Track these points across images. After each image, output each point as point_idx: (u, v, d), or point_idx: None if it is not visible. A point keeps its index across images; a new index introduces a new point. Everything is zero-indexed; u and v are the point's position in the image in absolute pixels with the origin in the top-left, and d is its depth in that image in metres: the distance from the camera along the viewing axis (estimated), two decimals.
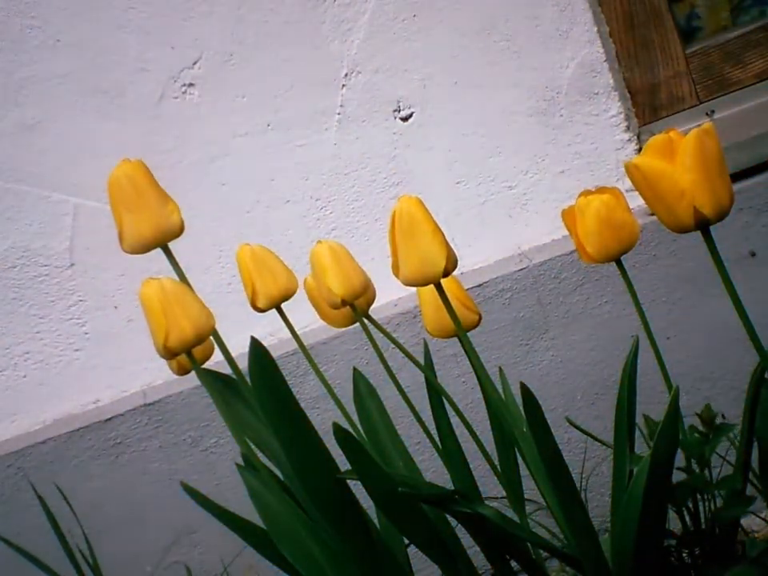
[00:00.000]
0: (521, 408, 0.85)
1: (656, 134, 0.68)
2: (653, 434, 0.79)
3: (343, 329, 0.90)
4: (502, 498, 0.89)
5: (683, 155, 0.66)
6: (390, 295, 1.22)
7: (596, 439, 0.98)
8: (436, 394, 0.86)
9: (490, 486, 0.94)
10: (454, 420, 0.86)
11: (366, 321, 0.83)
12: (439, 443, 0.87)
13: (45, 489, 1.22)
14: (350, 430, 0.75)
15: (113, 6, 1.25)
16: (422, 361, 0.87)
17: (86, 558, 1.06)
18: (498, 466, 0.85)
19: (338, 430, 0.72)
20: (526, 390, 0.71)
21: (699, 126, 0.67)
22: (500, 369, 0.91)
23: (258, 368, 0.76)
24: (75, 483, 1.25)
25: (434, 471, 0.96)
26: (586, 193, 0.82)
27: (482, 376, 0.77)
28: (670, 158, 0.67)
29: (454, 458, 0.85)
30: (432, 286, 0.73)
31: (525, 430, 0.81)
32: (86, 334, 1.32)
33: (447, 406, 0.86)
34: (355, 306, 0.80)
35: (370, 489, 0.75)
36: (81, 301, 1.33)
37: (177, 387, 1.26)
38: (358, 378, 0.88)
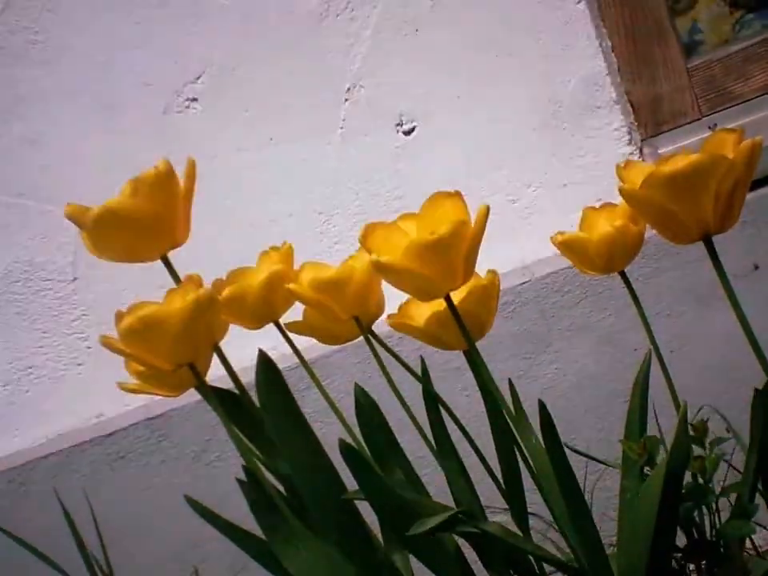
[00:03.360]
0: (528, 421, 0.85)
1: (660, 153, 0.67)
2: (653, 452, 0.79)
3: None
4: (505, 509, 0.88)
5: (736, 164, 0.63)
6: (395, 307, 1.22)
7: (598, 461, 0.98)
8: (434, 407, 0.85)
9: (492, 496, 0.94)
10: (458, 434, 0.86)
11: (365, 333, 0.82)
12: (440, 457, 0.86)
13: (48, 503, 1.21)
14: (353, 444, 0.75)
15: (116, 21, 1.26)
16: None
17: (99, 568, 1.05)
18: (502, 480, 0.84)
19: (344, 447, 0.71)
20: (543, 408, 0.71)
21: (754, 138, 0.64)
22: (510, 381, 0.90)
23: (265, 382, 0.76)
24: (78, 497, 1.25)
25: (437, 485, 0.95)
26: (590, 210, 0.82)
27: (489, 386, 0.77)
28: (669, 189, 0.65)
29: (455, 472, 0.85)
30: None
31: (534, 442, 0.81)
32: (89, 348, 1.32)
33: (448, 419, 0.86)
34: (361, 321, 0.79)
35: (376, 506, 0.74)
36: (84, 315, 1.33)
37: (179, 401, 1.26)
38: (359, 392, 0.87)
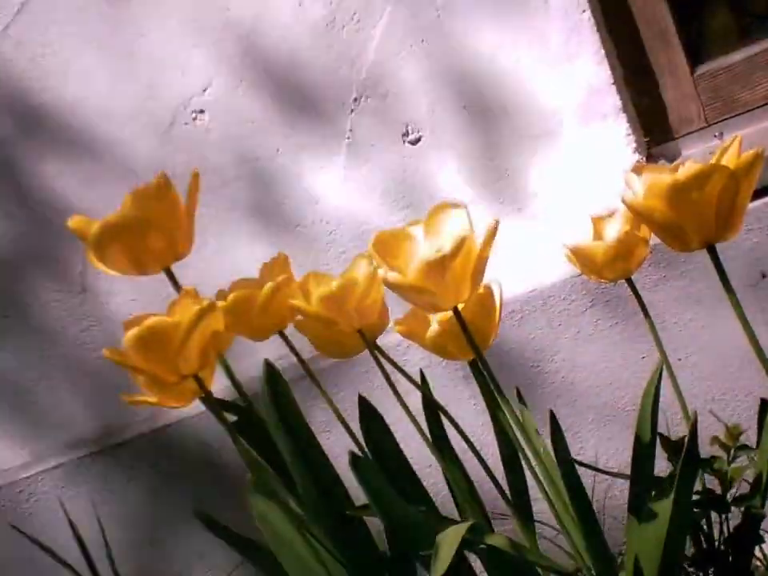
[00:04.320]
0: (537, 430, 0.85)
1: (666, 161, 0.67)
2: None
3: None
4: (509, 516, 0.88)
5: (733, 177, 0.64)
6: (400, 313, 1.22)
7: (607, 473, 0.97)
8: (436, 420, 0.85)
9: (498, 501, 0.93)
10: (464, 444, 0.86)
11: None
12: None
13: (55, 514, 1.22)
14: (359, 454, 0.75)
15: (123, 33, 1.27)
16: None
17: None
18: (508, 490, 0.84)
19: (354, 460, 0.71)
20: (553, 419, 0.72)
21: (756, 149, 0.64)
22: (517, 390, 0.90)
23: (271, 393, 0.76)
24: (85, 508, 1.25)
25: (444, 495, 0.95)
26: (597, 219, 0.83)
27: (495, 397, 0.76)
28: (666, 199, 0.65)
29: (459, 483, 0.85)
30: None
31: (542, 452, 0.81)
32: (97, 359, 1.32)
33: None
34: (365, 334, 0.79)
35: (385, 519, 0.74)
36: (92, 326, 1.33)
37: (186, 411, 1.25)
38: (364, 404, 0.87)
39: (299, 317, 0.82)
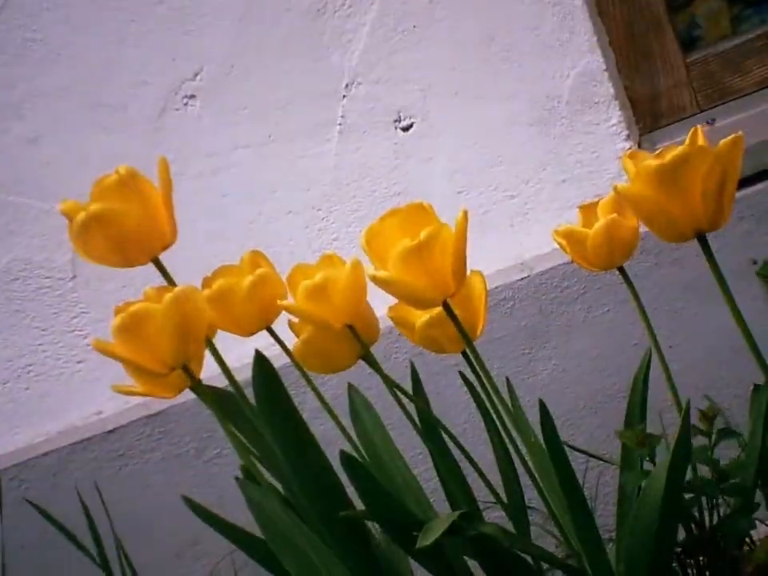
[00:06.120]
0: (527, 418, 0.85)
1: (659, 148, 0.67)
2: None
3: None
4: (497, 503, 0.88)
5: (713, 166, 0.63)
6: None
7: (597, 458, 0.98)
8: (427, 419, 0.85)
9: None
10: (458, 429, 0.86)
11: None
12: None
13: (48, 501, 1.21)
14: (348, 444, 0.75)
15: (114, 20, 1.26)
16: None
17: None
18: (501, 479, 0.84)
19: (345, 458, 0.71)
20: (543, 407, 0.72)
21: (736, 133, 0.64)
22: (507, 380, 0.90)
23: (261, 381, 0.76)
24: (78, 495, 1.25)
25: (435, 482, 0.96)
26: (586, 206, 0.83)
27: (486, 388, 0.77)
28: (658, 185, 0.65)
29: (449, 472, 0.85)
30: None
31: (532, 439, 0.81)
32: (89, 345, 1.32)
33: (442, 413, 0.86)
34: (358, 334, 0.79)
35: (377, 517, 0.74)
36: (83, 312, 1.33)
37: (179, 398, 1.25)
38: (353, 393, 0.87)
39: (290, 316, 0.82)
